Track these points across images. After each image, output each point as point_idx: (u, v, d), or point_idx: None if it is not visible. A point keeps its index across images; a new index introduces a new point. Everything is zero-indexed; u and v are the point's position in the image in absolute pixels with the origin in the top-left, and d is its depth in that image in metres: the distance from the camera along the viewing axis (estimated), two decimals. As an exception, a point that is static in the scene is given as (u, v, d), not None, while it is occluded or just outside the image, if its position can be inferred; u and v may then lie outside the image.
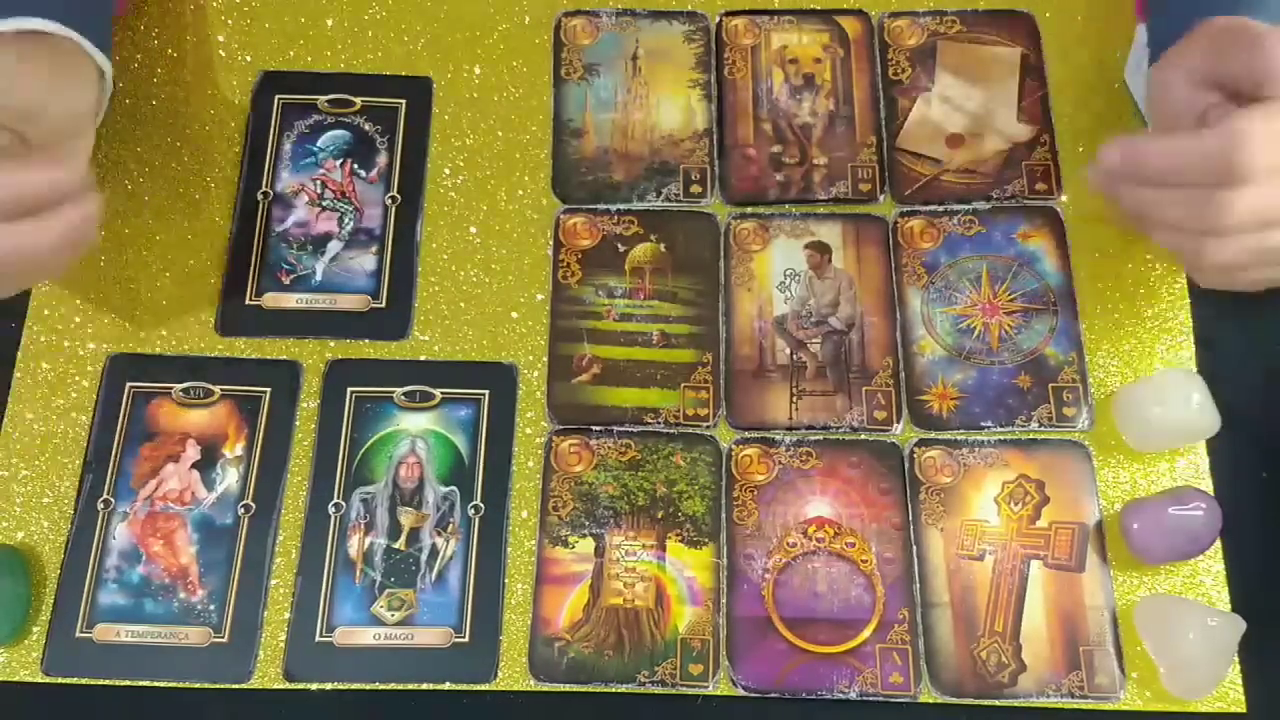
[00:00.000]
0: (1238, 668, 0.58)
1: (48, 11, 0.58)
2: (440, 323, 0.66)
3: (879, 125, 0.71)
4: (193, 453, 0.63)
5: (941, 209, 0.69)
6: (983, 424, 0.64)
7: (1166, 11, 0.62)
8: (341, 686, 0.59)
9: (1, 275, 0.55)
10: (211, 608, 0.60)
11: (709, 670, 0.59)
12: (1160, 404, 0.61)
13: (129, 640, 0.59)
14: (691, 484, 0.62)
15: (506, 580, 0.61)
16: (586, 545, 0.61)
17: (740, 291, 0.67)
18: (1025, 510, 0.62)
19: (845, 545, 0.61)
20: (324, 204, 0.68)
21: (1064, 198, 0.68)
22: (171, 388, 0.64)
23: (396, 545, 0.61)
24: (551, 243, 0.68)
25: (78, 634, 0.59)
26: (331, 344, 0.65)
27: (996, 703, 0.58)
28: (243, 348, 0.65)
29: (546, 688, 0.59)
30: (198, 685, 0.59)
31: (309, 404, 0.64)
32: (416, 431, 0.63)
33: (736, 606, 0.60)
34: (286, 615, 0.60)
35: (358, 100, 0.71)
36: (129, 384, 0.64)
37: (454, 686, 0.59)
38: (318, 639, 0.59)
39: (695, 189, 0.69)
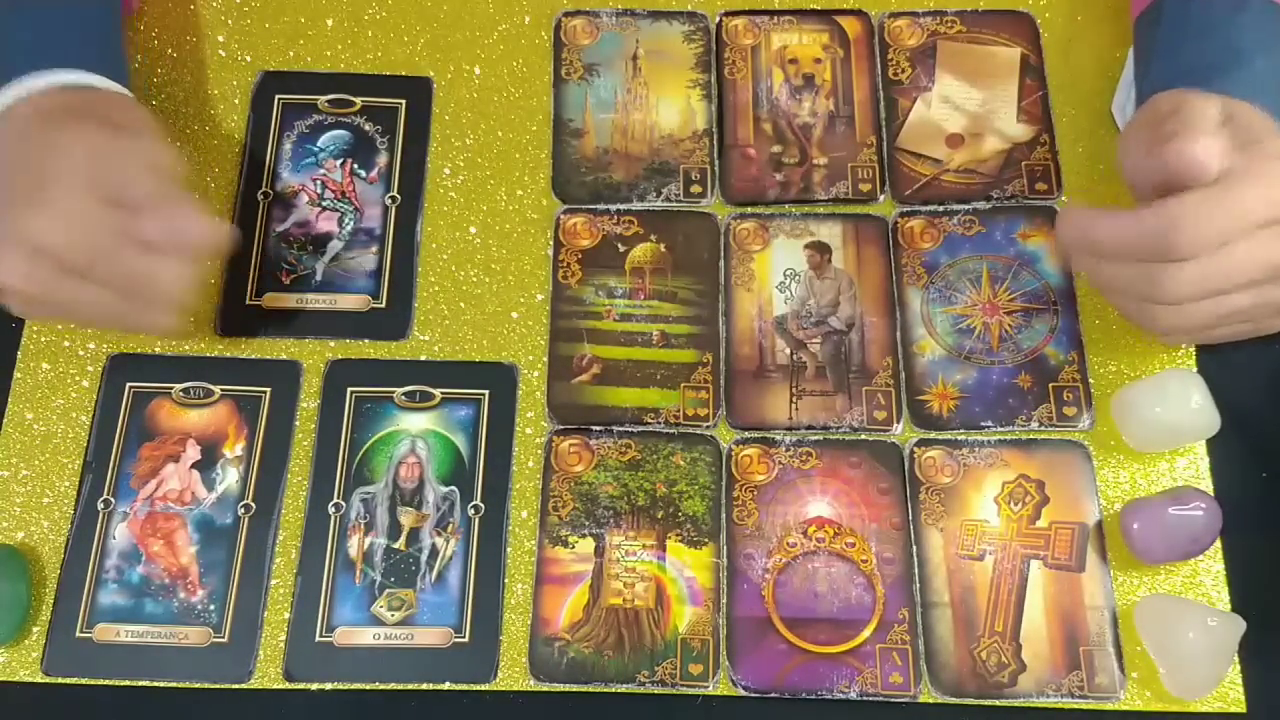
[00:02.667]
0: (1238, 668, 0.58)
1: (78, 61, 0.60)
2: (440, 323, 0.66)
3: (879, 125, 0.71)
4: (193, 453, 0.63)
5: (941, 209, 0.69)
6: (983, 424, 0.64)
7: (1149, 64, 0.63)
8: (341, 686, 0.59)
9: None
10: (211, 608, 0.60)
11: (709, 670, 0.59)
12: (1160, 404, 0.61)
13: (129, 640, 0.59)
14: (691, 484, 0.62)
15: (506, 580, 0.61)
16: (586, 545, 0.61)
17: (740, 291, 0.67)
18: (1025, 510, 0.62)
19: (845, 545, 0.61)
20: (324, 204, 0.68)
21: (1064, 197, 0.68)
22: (171, 388, 0.64)
23: (396, 545, 0.61)
24: (551, 243, 0.68)
25: (78, 634, 0.59)
26: (331, 344, 0.65)
27: (996, 703, 0.58)
28: (243, 348, 0.65)
29: (546, 688, 0.59)
30: (198, 685, 0.59)
31: (309, 404, 0.64)
32: (416, 431, 0.63)
33: (736, 606, 0.60)
34: (286, 615, 0.60)
35: (358, 100, 0.71)
36: (129, 384, 0.64)
37: (454, 686, 0.59)
38: (318, 639, 0.59)
39: (695, 189, 0.69)
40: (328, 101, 0.71)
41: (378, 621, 0.60)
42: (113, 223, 0.56)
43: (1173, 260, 0.55)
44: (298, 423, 0.64)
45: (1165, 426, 0.61)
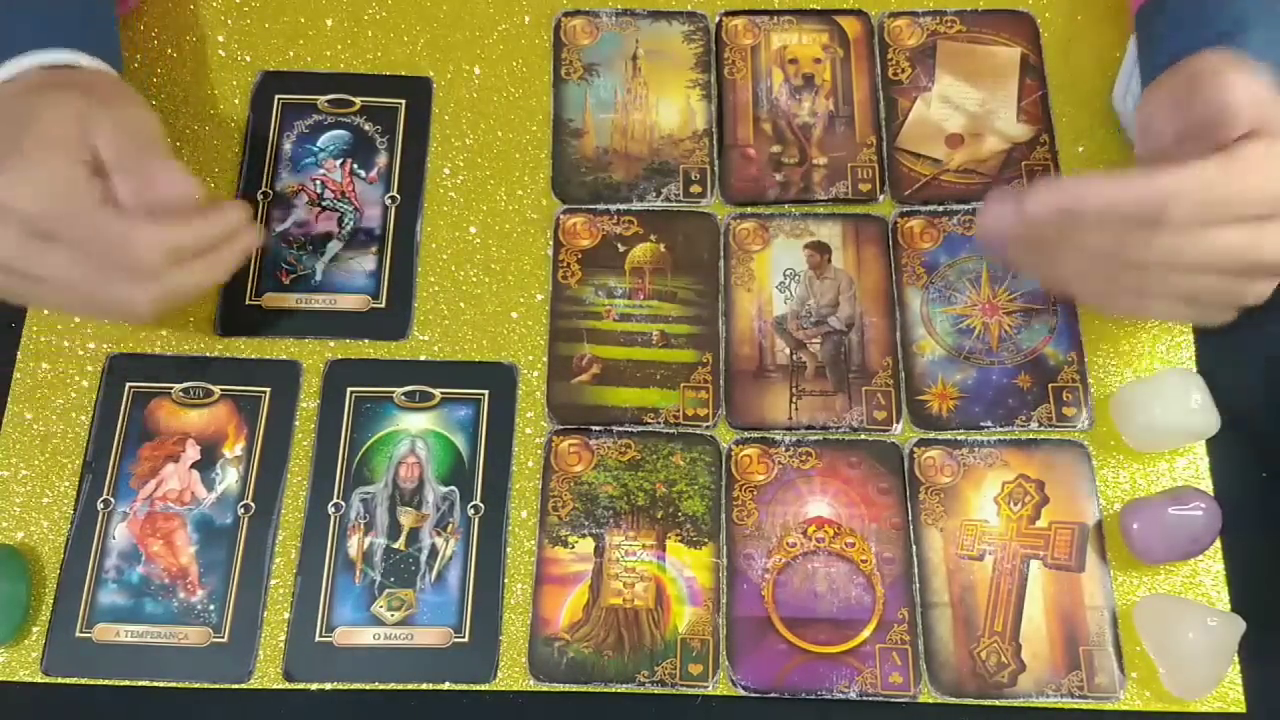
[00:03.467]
0: (1237, 668, 0.58)
1: (65, 41, 0.59)
2: (440, 323, 0.66)
3: (879, 125, 0.71)
4: (192, 453, 0.63)
5: (941, 209, 0.69)
6: (982, 424, 0.64)
7: (1157, 45, 0.62)
8: (341, 686, 0.59)
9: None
10: (211, 608, 0.60)
11: (709, 670, 0.59)
12: (1160, 404, 0.61)
13: (129, 640, 0.59)
14: (691, 484, 0.62)
15: (506, 580, 0.61)
16: (586, 545, 0.61)
17: (740, 291, 0.67)
18: (1025, 510, 0.62)
19: (845, 545, 0.61)
20: (324, 204, 0.68)
21: (1064, 198, 0.68)
22: (171, 388, 0.64)
23: (396, 545, 0.61)
24: (551, 243, 0.68)
25: (77, 634, 0.59)
26: (331, 344, 0.65)
27: (996, 703, 0.58)
28: (243, 348, 0.65)
29: (546, 688, 0.59)
30: (197, 685, 0.59)
31: (309, 404, 0.64)
32: (416, 431, 0.63)
33: (736, 606, 0.60)
34: (286, 615, 0.60)
35: (358, 100, 0.71)
36: (129, 384, 0.64)
37: (454, 686, 0.59)
38: (317, 639, 0.59)
39: (695, 189, 0.69)
40: (327, 101, 0.71)
41: (377, 621, 0.60)
42: (86, 184, 0.54)
43: (1153, 228, 0.53)
44: (297, 423, 0.64)
45: (1165, 426, 0.61)
